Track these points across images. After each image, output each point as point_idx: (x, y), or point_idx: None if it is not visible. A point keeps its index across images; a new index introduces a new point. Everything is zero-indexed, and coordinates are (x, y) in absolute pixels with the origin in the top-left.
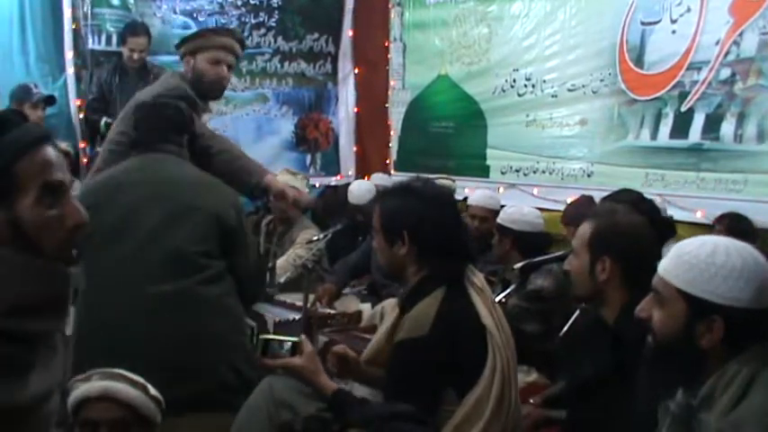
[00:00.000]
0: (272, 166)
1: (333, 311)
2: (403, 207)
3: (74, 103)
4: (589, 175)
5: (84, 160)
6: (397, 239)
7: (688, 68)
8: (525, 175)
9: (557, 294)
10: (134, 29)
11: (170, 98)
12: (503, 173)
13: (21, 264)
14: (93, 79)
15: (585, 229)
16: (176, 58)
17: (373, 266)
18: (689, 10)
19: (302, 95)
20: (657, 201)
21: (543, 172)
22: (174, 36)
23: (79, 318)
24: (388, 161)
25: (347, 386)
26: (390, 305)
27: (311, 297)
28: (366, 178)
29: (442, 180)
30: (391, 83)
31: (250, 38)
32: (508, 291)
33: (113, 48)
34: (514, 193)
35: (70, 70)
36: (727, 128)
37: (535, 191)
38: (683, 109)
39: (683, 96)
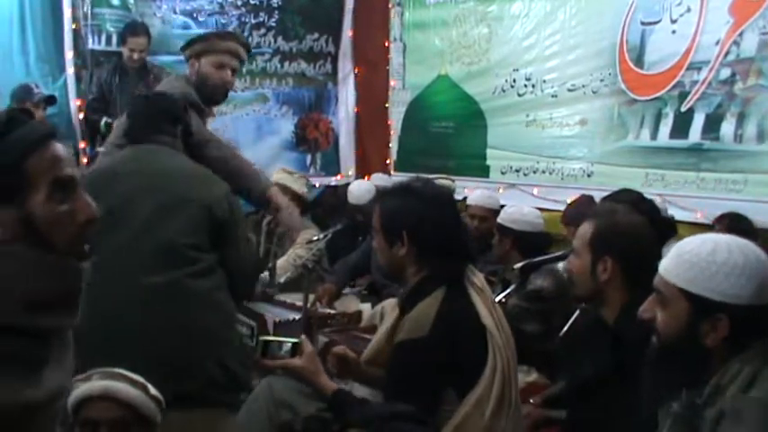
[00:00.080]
0: (272, 166)
1: (333, 311)
2: (403, 207)
3: (74, 103)
4: (589, 175)
5: (85, 160)
6: (397, 240)
7: (688, 68)
8: (525, 175)
9: (557, 294)
10: (134, 29)
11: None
12: (503, 173)
13: (33, 260)
14: (93, 79)
15: (586, 228)
16: (176, 58)
17: (373, 266)
18: (689, 10)
19: (302, 95)
20: (657, 201)
21: (543, 172)
22: (173, 36)
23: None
24: (388, 161)
25: (347, 386)
26: (390, 305)
27: (311, 297)
28: (366, 178)
29: (442, 180)
30: (391, 83)
31: (250, 38)
32: (508, 291)
33: (113, 48)
34: (514, 193)
35: (70, 70)
36: (727, 128)
37: (535, 191)
38: (683, 109)
39: (683, 96)
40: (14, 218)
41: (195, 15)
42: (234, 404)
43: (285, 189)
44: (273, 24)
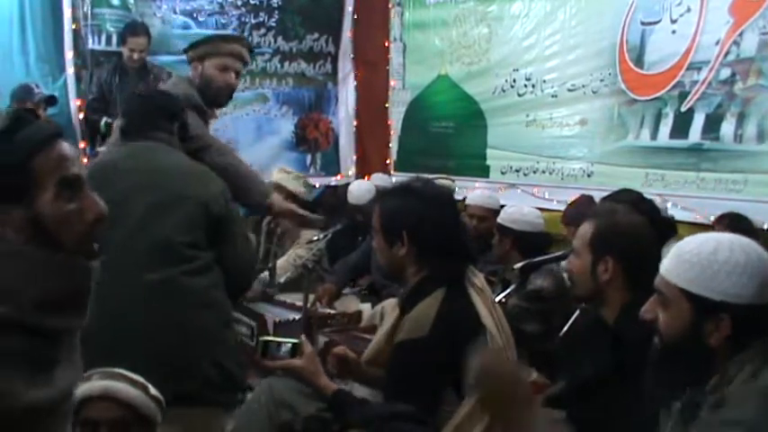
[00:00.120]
0: (271, 166)
1: (333, 311)
2: (403, 207)
3: (74, 103)
4: (589, 175)
5: (85, 160)
6: (397, 240)
7: (688, 68)
8: (525, 175)
9: (557, 294)
10: (134, 29)
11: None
12: (503, 173)
13: (42, 259)
14: (93, 79)
15: (586, 229)
16: (176, 58)
17: (373, 266)
18: (689, 10)
19: (302, 95)
20: (657, 201)
21: (543, 172)
22: (173, 36)
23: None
24: (388, 161)
25: (347, 387)
26: (390, 305)
27: (311, 297)
28: (366, 178)
29: (442, 180)
30: (391, 83)
31: (250, 38)
32: (508, 291)
33: (113, 48)
34: (514, 193)
35: (70, 70)
36: (727, 128)
37: (535, 191)
38: (683, 109)
39: (683, 96)
40: (22, 218)
41: (195, 15)
42: (230, 404)
43: (281, 188)
44: (273, 24)
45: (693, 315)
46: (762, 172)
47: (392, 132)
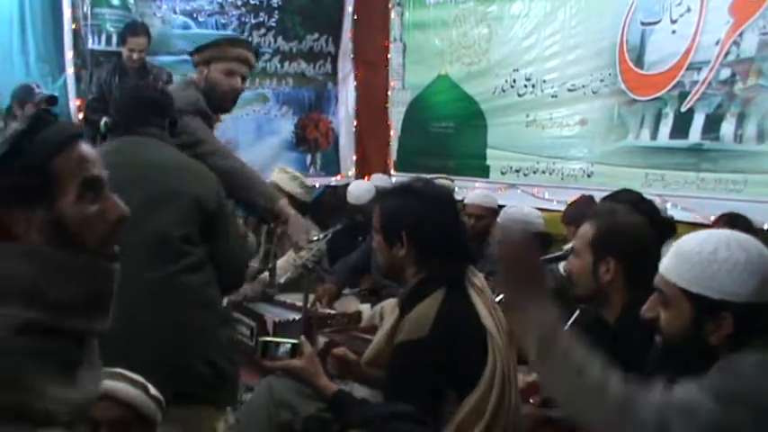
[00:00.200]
0: (271, 166)
1: (333, 312)
2: (402, 207)
3: (74, 103)
4: (589, 176)
5: None
6: (397, 240)
7: (688, 68)
8: (525, 175)
9: (556, 294)
10: (134, 29)
11: (189, 114)
12: (503, 173)
13: (65, 261)
14: (93, 79)
15: (587, 229)
16: (176, 58)
17: (373, 266)
18: (689, 10)
19: (302, 95)
20: (657, 201)
21: (543, 172)
22: (173, 36)
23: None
24: (388, 161)
25: (347, 387)
26: (390, 305)
27: (311, 297)
28: (366, 178)
29: (441, 180)
30: (391, 83)
31: (250, 38)
32: None
33: (113, 48)
34: (514, 194)
35: (70, 70)
36: (727, 128)
37: (535, 191)
38: (683, 109)
39: (683, 96)
40: (44, 220)
41: (195, 15)
42: (222, 403)
43: (279, 189)
44: (273, 24)
45: (694, 314)
46: (762, 172)
47: (392, 132)
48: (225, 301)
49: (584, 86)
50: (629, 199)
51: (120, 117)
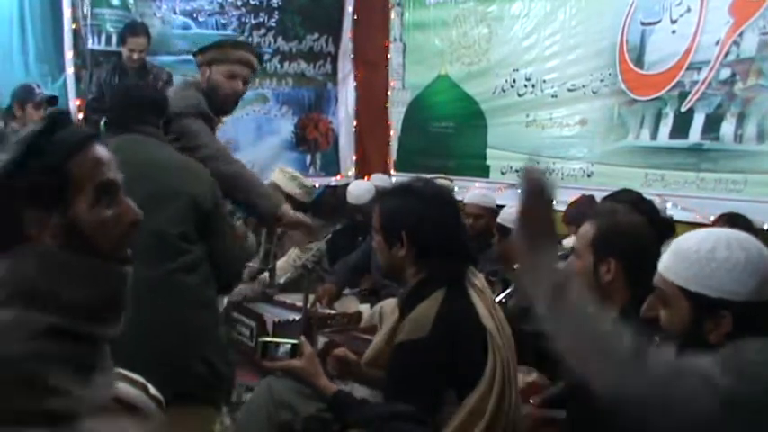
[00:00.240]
0: (271, 166)
1: (333, 312)
2: (402, 208)
3: (73, 103)
4: (589, 176)
5: None
6: (397, 241)
7: (688, 68)
8: None
9: None
10: (134, 29)
11: (191, 116)
12: (503, 173)
13: (79, 264)
14: (93, 79)
15: (587, 229)
16: (176, 58)
17: (373, 266)
18: (689, 10)
19: (302, 95)
20: (657, 201)
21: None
22: (173, 36)
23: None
24: (388, 161)
25: (347, 387)
26: (389, 305)
27: (311, 297)
28: (366, 178)
29: (440, 180)
30: (391, 83)
31: (250, 38)
32: (508, 291)
33: (113, 48)
34: (515, 194)
35: (70, 70)
36: (727, 128)
37: None
38: (683, 109)
39: (683, 96)
40: (58, 223)
41: (195, 15)
42: (219, 402)
43: (277, 189)
44: (273, 24)
45: (693, 312)
46: (762, 172)
47: (392, 132)
48: (225, 300)
49: (584, 86)
50: (629, 199)
51: (117, 115)
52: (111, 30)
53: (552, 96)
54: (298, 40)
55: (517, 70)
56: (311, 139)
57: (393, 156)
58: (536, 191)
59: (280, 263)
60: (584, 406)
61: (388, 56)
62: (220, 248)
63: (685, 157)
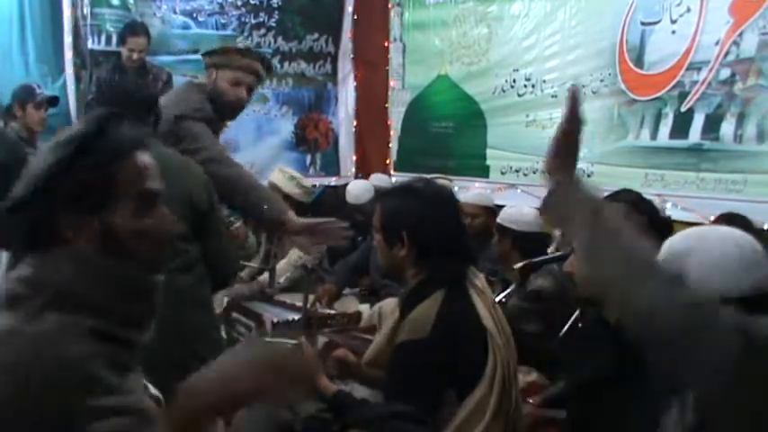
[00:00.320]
0: (271, 167)
1: (333, 312)
2: (403, 207)
3: (73, 102)
4: (589, 176)
5: None
6: (397, 241)
7: (688, 68)
8: (525, 175)
9: (557, 294)
10: (133, 29)
11: (193, 120)
12: (503, 173)
13: (112, 270)
14: (93, 79)
15: None
16: (176, 58)
17: (372, 267)
18: (689, 10)
19: (302, 95)
20: (656, 201)
21: (543, 172)
22: (173, 36)
23: None
24: (388, 161)
25: (347, 387)
26: (389, 306)
27: (311, 297)
28: (366, 179)
29: (440, 180)
30: (391, 83)
31: (250, 38)
32: (508, 291)
33: (113, 48)
34: (514, 194)
35: (70, 70)
36: (727, 128)
37: (535, 191)
38: (683, 109)
39: (682, 96)
40: (95, 230)
41: (195, 15)
42: None
43: (276, 189)
44: (273, 24)
45: None
46: (762, 172)
47: (392, 132)
48: (225, 301)
49: (584, 86)
50: (628, 199)
51: None
52: (111, 30)
53: (552, 96)
54: (298, 40)
55: (517, 70)
56: (311, 139)
57: (393, 156)
58: (578, 114)
59: (280, 264)
60: (585, 406)
61: (388, 56)
62: (216, 248)
63: (685, 157)
